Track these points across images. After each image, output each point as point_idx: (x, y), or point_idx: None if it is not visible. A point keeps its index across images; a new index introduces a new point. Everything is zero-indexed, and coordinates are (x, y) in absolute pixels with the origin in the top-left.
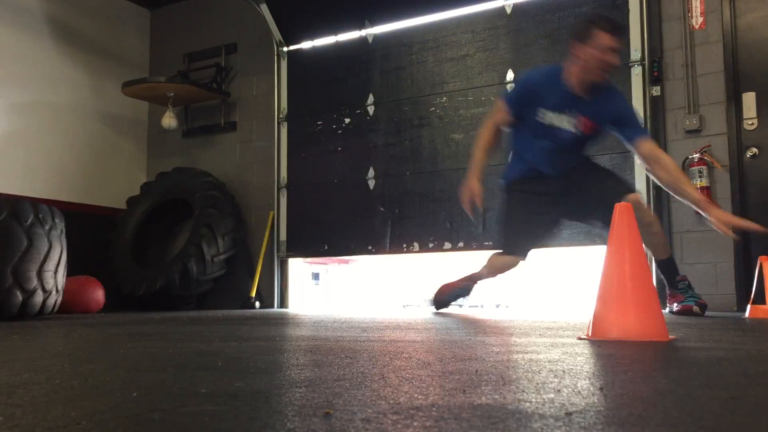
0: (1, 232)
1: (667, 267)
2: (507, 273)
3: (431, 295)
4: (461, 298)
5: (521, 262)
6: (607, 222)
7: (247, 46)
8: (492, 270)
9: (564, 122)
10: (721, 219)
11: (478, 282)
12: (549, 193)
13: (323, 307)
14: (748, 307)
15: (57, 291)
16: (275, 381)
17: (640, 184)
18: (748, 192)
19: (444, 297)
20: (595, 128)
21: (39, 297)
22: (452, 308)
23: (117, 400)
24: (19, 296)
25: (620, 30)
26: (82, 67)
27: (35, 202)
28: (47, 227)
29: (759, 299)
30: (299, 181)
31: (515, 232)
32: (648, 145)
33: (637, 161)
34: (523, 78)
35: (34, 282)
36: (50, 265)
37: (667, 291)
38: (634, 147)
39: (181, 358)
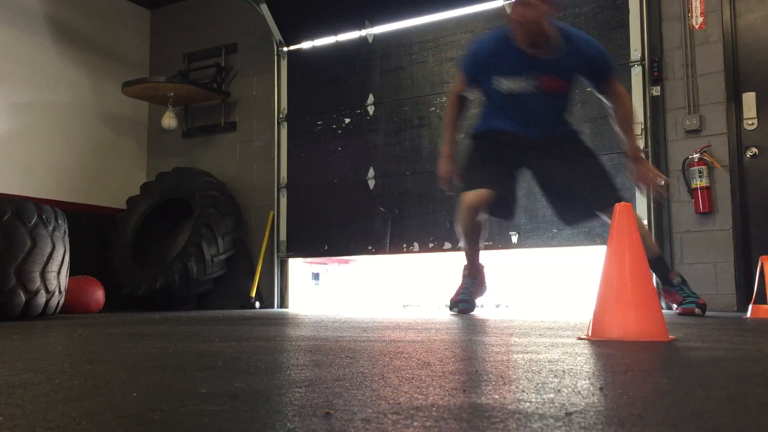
0: (5, 233)
1: (658, 264)
2: (476, 211)
3: (449, 304)
4: (480, 292)
5: (488, 195)
6: (574, 221)
7: (247, 46)
8: (460, 222)
9: (522, 86)
10: (641, 173)
11: (472, 259)
12: (517, 146)
13: (323, 307)
14: (750, 307)
15: (60, 292)
16: (275, 381)
17: None
18: (748, 192)
19: (459, 298)
20: (564, 84)
21: (42, 298)
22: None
23: (117, 400)
24: (23, 297)
25: None
26: (82, 67)
27: (39, 203)
28: (51, 228)
29: (760, 299)
30: (299, 181)
31: (474, 170)
32: (618, 86)
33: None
34: (472, 46)
35: (38, 283)
36: (53, 266)
37: (661, 288)
38: (604, 91)
39: (181, 358)
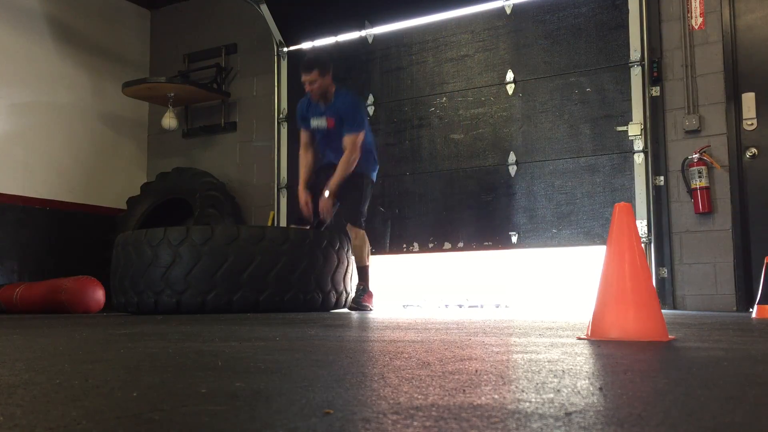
0: (307, 253)
1: (361, 272)
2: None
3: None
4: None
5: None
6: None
7: (247, 47)
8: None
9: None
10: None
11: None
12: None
13: None
14: (755, 307)
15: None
16: (275, 381)
17: (640, 186)
18: (747, 192)
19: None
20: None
21: (333, 297)
22: (453, 308)
23: (117, 400)
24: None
25: (304, 67)
26: (82, 67)
27: (332, 232)
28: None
29: (765, 299)
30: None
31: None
32: (346, 139)
33: (637, 161)
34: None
35: (329, 286)
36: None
37: (359, 286)
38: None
39: (181, 358)
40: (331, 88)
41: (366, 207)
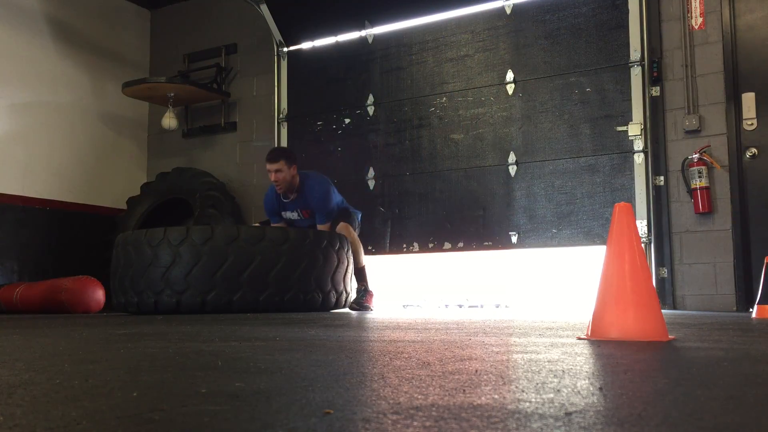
0: (306, 254)
1: (359, 273)
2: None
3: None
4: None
5: None
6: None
7: (247, 47)
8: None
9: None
10: None
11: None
12: None
13: None
14: (755, 307)
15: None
16: (275, 381)
17: (640, 186)
18: (747, 192)
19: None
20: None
21: (333, 296)
22: (453, 308)
23: (117, 400)
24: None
25: (270, 157)
26: (82, 67)
27: (331, 233)
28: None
29: (765, 299)
30: None
31: None
32: (320, 228)
33: (637, 161)
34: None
35: (329, 286)
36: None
37: (360, 287)
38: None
39: (181, 358)
40: (296, 179)
41: (358, 226)
